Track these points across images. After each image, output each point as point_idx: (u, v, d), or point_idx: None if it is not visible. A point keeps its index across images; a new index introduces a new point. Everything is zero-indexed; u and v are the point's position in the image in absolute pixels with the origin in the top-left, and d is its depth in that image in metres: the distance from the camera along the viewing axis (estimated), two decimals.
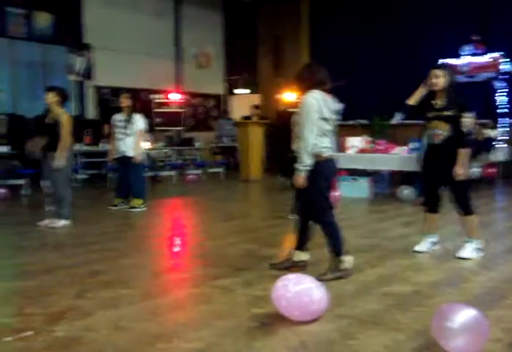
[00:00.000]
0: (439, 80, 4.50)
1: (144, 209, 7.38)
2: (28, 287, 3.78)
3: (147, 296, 3.58)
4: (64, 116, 6.04)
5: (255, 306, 3.37)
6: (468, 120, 4.50)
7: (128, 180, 7.35)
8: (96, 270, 4.23)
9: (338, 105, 3.98)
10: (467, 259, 4.56)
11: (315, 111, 3.80)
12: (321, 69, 4.00)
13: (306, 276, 3.24)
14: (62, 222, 6.12)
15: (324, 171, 3.88)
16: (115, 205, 7.50)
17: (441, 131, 4.53)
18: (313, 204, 3.96)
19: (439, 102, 4.58)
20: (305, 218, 4.14)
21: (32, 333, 2.91)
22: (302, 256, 4.21)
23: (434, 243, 4.89)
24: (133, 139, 7.26)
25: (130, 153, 7.27)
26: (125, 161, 7.33)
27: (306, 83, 3.93)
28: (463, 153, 4.47)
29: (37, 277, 4.04)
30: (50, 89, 6.15)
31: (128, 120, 7.27)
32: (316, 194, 3.89)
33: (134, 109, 7.38)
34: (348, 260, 3.98)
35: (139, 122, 7.35)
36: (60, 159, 5.94)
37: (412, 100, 4.68)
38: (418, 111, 4.69)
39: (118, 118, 7.42)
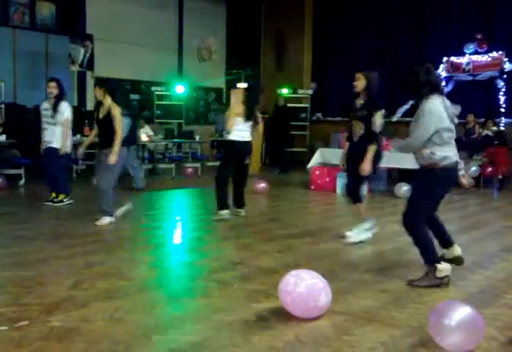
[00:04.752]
0: (358, 82, 4.89)
1: (70, 202, 6.96)
2: (25, 277, 3.77)
3: (143, 288, 3.58)
4: (115, 110, 5.65)
5: (252, 300, 3.37)
6: (378, 120, 4.78)
7: (51, 172, 6.86)
8: (92, 261, 4.23)
9: (457, 108, 3.86)
10: (360, 242, 4.91)
11: (436, 119, 3.61)
12: (434, 71, 3.86)
13: (320, 278, 3.11)
14: (107, 219, 5.76)
15: (442, 179, 3.69)
16: (51, 201, 6.93)
17: (357, 129, 4.90)
18: (418, 208, 3.73)
19: (358, 102, 4.95)
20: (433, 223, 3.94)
21: (28, 323, 2.91)
22: (456, 251, 4.02)
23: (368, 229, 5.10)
24: (60, 129, 6.71)
25: (54, 144, 6.72)
26: (48, 152, 6.77)
27: (425, 88, 3.70)
28: (371, 149, 4.76)
29: (34, 267, 4.04)
30: (99, 84, 5.83)
31: (54, 109, 6.67)
32: (427, 200, 3.72)
33: (61, 97, 6.74)
34: (444, 268, 3.69)
35: (66, 110, 6.74)
36: (114, 155, 5.54)
37: None
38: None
39: (44, 106, 6.84)
